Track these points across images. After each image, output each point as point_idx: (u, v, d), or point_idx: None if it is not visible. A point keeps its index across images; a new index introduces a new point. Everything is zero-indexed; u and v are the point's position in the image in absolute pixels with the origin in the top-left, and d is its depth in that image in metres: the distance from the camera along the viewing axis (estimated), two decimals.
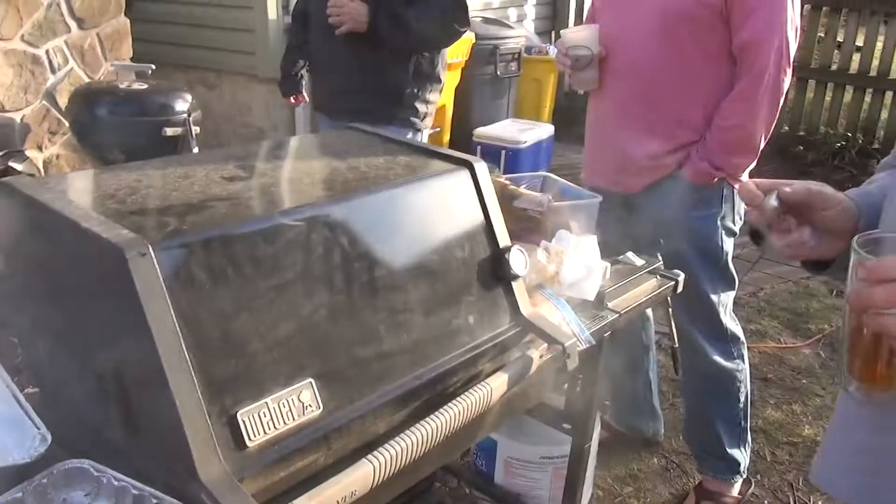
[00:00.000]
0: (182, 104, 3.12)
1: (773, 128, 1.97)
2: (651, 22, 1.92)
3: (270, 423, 0.96)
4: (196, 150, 3.03)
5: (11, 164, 2.91)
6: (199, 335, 0.93)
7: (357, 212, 1.13)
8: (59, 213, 0.98)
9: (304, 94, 3.01)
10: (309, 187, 1.21)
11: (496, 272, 1.26)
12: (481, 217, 1.27)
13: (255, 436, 0.94)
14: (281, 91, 3.00)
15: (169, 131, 3.07)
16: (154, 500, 0.95)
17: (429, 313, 1.17)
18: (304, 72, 2.93)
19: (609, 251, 1.61)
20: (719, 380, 2.19)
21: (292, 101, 3.01)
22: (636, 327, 2.36)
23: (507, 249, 1.27)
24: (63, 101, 3.27)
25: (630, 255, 1.71)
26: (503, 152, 4.41)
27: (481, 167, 1.29)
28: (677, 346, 2.27)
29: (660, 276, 1.68)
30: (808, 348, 3.21)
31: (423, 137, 2.73)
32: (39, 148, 3.43)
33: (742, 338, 2.21)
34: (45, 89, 3.39)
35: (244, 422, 0.94)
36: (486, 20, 5.33)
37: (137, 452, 0.99)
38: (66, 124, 3.30)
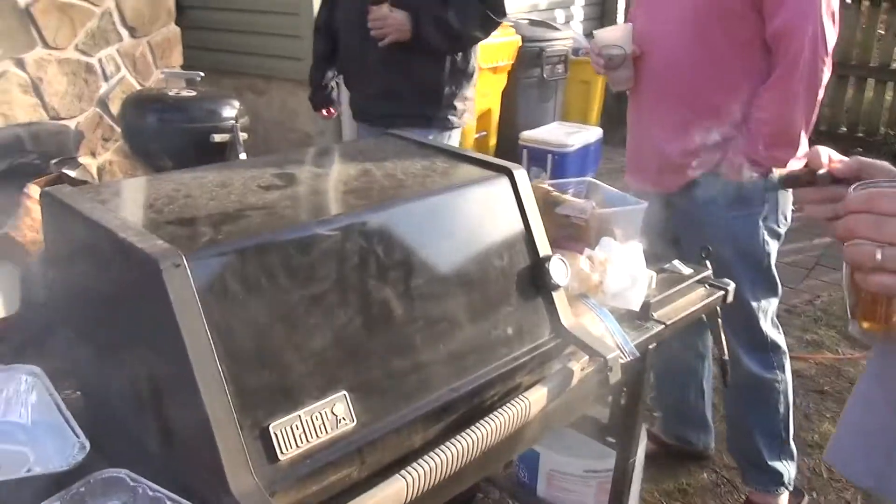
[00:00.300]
0: (229, 111, 3.16)
1: (813, 121, 1.91)
2: (684, 18, 1.90)
3: (303, 436, 0.95)
4: (243, 155, 3.06)
5: (65, 170, 2.97)
6: (232, 346, 0.92)
7: (393, 220, 1.12)
8: (98, 223, 0.98)
9: (337, 105, 2.98)
10: (345, 196, 1.19)
11: (536, 282, 1.23)
12: (521, 225, 1.25)
13: (287, 449, 0.93)
14: (312, 105, 2.96)
15: (216, 138, 3.11)
16: None
17: (466, 324, 1.14)
18: (334, 82, 2.90)
19: (651, 255, 1.56)
20: (757, 390, 2.12)
21: (324, 113, 2.98)
22: (691, 334, 2.30)
23: (548, 259, 1.24)
24: (115, 108, 3.35)
25: (677, 263, 1.66)
26: (550, 156, 4.36)
27: (521, 174, 1.26)
28: (727, 357, 2.20)
29: (708, 285, 1.62)
30: (867, 360, 3.09)
31: (456, 135, 2.69)
32: (93, 154, 3.51)
33: (784, 347, 2.13)
34: (98, 97, 3.47)
35: (276, 434, 0.93)
36: (533, 22, 5.28)
37: (172, 462, 0.99)
38: (119, 131, 3.37)
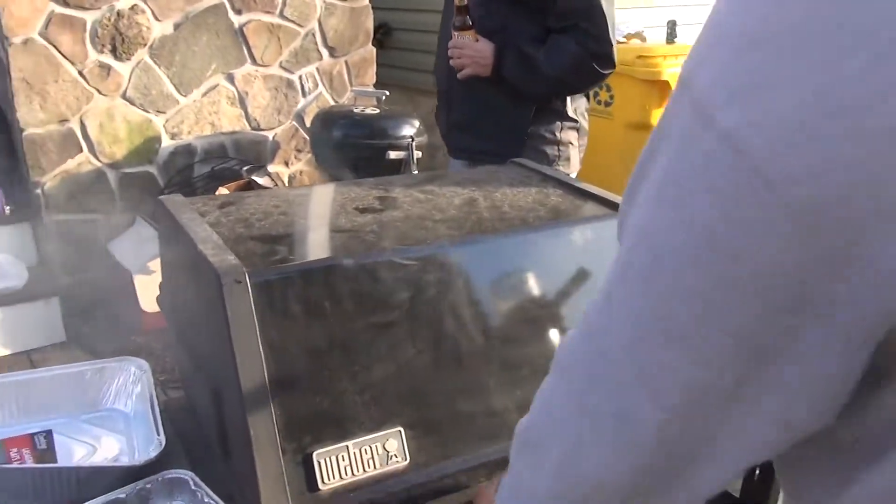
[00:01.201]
0: (408, 129, 3.25)
1: None
2: None
3: (349, 468, 0.91)
4: (415, 172, 3.13)
5: (254, 177, 3.22)
6: (285, 367, 0.91)
7: (481, 255, 1.06)
8: (187, 234, 1.02)
9: None
10: (436, 224, 1.15)
11: None
12: None
13: (329, 479, 0.90)
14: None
15: (392, 154, 3.21)
16: None
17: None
18: None
19: None
20: None
21: None
22: None
23: None
24: (310, 121, 3.57)
25: None
26: None
27: None
28: None
29: None
30: None
31: None
32: (286, 164, 3.77)
33: None
34: (296, 111, 3.72)
35: (319, 463, 0.90)
36: None
37: (230, 474, 1.00)
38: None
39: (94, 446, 1.16)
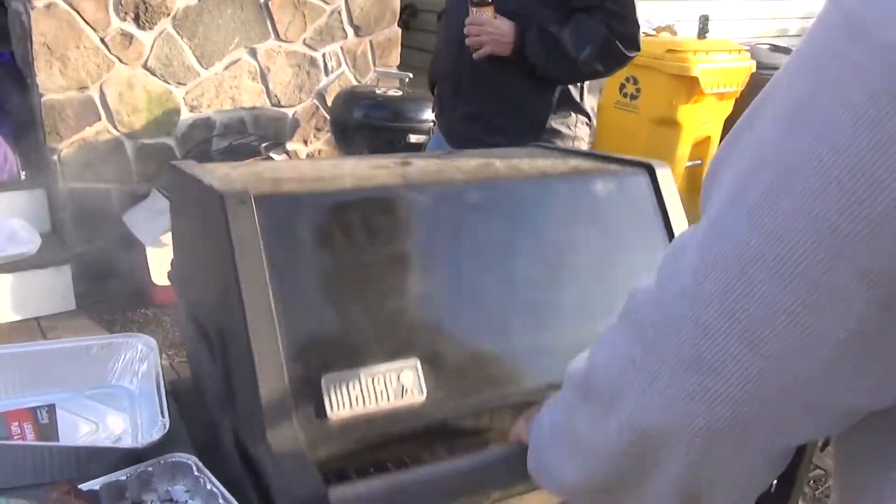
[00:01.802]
0: (430, 113, 3.19)
1: None
2: None
3: (360, 398, 0.85)
4: None
5: (272, 154, 3.18)
6: (293, 292, 0.85)
7: (500, 197, 1.02)
8: (194, 177, 0.98)
9: None
10: (455, 173, 1.10)
11: None
12: (659, 224, 1.09)
13: (339, 408, 0.84)
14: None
15: (412, 138, 3.17)
16: None
17: (577, 319, 1.00)
18: None
19: None
20: None
21: None
22: None
23: None
24: (330, 100, 3.52)
25: None
26: None
27: (664, 172, 1.11)
28: None
29: None
30: None
31: None
32: (305, 142, 3.72)
33: None
34: (317, 89, 3.67)
35: (328, 390, 0.84)
36: (775, 48, 4.84)
37: (237, 419, 0.94)
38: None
39: (96, 424, 1.13)
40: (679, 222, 1.10)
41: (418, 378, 0.88)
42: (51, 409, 1.11)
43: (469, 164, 1.16)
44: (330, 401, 0.83)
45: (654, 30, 4.31)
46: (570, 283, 1.02)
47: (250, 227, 0.84)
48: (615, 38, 1.93)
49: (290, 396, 0.82)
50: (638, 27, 1.97)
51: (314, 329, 0.87)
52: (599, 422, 0.55)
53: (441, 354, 0.91)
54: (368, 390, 0.85)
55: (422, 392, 0.87)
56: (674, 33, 4.38)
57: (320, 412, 0.83)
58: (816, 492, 2.26)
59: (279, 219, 0.88)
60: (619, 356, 0.53)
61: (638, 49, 1.99)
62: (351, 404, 0.84)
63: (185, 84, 3.36)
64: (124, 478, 0.97)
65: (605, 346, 0.57)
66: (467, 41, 1.98)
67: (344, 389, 0.84)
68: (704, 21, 4.04)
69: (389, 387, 0.86)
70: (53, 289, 3.11)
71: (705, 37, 4.05)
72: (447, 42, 2.13)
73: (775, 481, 1.41)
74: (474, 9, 1.96)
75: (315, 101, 3.68)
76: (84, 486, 0.93)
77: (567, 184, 1.09)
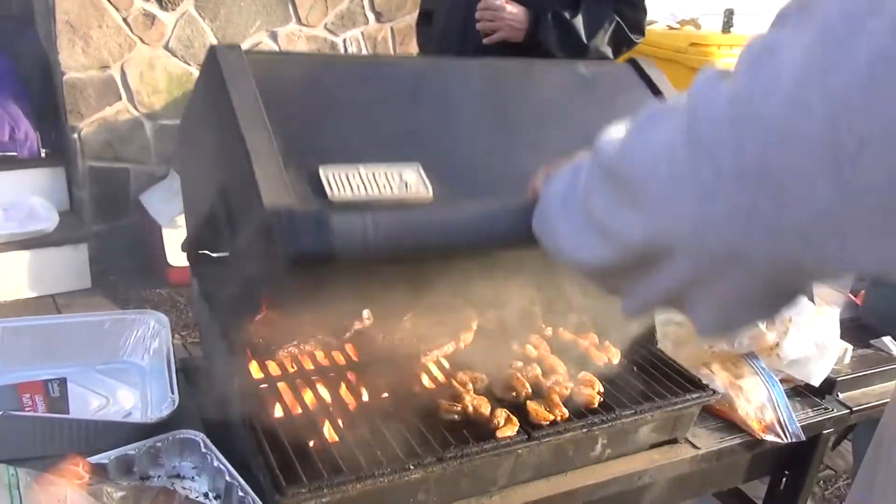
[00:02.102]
0: None
1: None
2: None
3: (361, 186, 0.83)
4: None
5: None
6: (284, 111, 0.87)
7: (495, 73, 1.07)
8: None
9: None
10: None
11: None
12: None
13: (339, 191, 0.81)
14: None
15: None
16: (240, 493, 0.92)
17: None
18: None
19: (853, 325, 1.29)
20: None
21: None
22: None
23: None
24: None
25: (888, 340, 1.36)
26: None
27: (647, 62, 1.16)
28: None
29: None
30: None
31: None
32: None
33: None
34: None
35: (327, 177, 0.82)
36: None
37: (237, 262, 0.94)
38: None
39: (107, 398, 1.13)
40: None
41: (421, 176, 0.86)
42: (62, 382, 1.12)
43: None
44: (329, 185, 0.81)
45: (678, 23, 4.26)
46: (563, 139, 1.02)
47: (242, 69, 0.87)
48: (623, 24, 1.99)
49: (284, 178, 0.80)
50: (645, 13, 2.04)
51: (307, 134, 0.88)
52: (620, 210, 0.53)
53: (443, 157, 0.91)
54: (369, 181, 0.84)
55: (427, 188, 0.85)
56: (698, 27, 4.32)
57: (320, 193, 0.81)
58: (826, 492, 2.24)
59: (270, 68, 0.91)
60: (661, 156, 0.49)
61: (643, 34, 2.05)
62: (352, 189, 0.82)
63: None
64: (133, 452, 0.98)
65: (647, 136, 0.52)
66: (478, 26, 1.97)
67: (343, 178, 0.83)
68: (729, 15, 3.99)
69: (391, 181, 0.84)
70: (70, 267, 3.13)
71: (730, 31, 4.00)
72: (449, 22, 2.12)
73: (784, 479, 1.40)
74: None
75: None
76: (93, 460, 0.93)
77: (563, 65, 1.20)
